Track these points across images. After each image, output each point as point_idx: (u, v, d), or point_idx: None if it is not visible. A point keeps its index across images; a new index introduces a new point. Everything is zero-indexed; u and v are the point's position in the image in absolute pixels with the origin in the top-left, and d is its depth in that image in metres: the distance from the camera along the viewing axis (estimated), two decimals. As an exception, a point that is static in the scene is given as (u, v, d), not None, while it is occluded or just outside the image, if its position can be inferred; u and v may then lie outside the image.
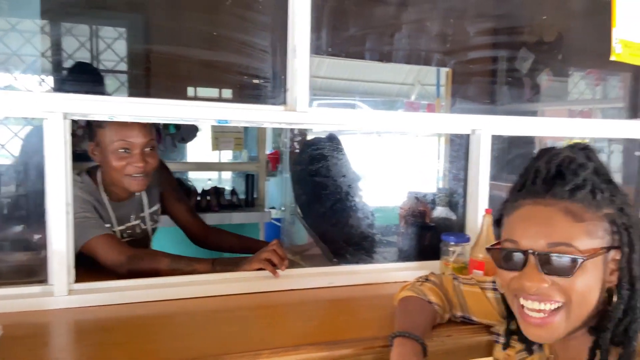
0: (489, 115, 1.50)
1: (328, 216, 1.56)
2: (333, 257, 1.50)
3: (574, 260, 0.75)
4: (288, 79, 1.34)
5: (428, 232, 1.66)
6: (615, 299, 0.78)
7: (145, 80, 2.98)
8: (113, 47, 3.34)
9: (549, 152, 0.83)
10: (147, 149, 1.49)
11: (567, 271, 0.75)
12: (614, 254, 0.79)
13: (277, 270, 1.35)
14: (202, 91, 3.42)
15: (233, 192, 4.16)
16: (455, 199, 1.66)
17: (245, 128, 4.43)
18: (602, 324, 0.79)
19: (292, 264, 1.45)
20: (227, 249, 1.71)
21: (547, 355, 0.90)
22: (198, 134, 4.14)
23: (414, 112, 6.30)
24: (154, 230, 1.73)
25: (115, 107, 1.18)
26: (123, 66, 3.32)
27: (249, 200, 4.30)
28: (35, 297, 1.14)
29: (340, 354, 1.02)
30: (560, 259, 0.76)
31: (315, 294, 1.36)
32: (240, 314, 1.20)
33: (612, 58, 1.55)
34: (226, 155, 5.05)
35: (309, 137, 1.78)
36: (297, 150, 1.68)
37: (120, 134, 1.45)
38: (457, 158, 1.68)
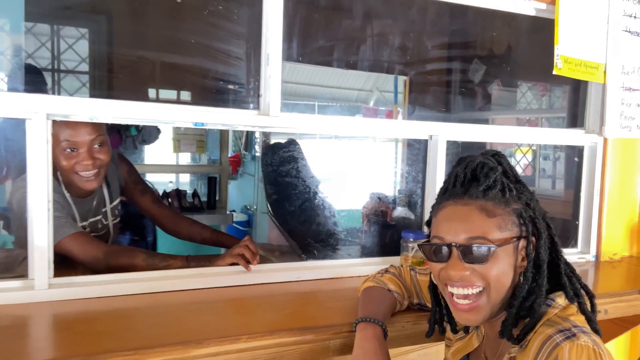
0: (445, 122, 1.64)
1: (296, 215, 1.65)
2: (301, 252, 1.59)
3: (488, 250, 0.89)
4: (261, 85, 1.42)
5: (389, 230, 1.78)
6: (521, 279, 0.92)
7: (108, 81, 2.98)
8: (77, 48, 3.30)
9: (465, 160, 0.97)
10: (96, 146, 1.48)
11: (483, 259, 0.89)
12: (523, 243, 0.92)
13: (249, 265, 1.43)
14: (163, 93, 3.44)
15: (194, 194, 4.18)
16: (414, 199, 1.79)
17: (207, 130, 4.46)
18: (511, 301, 0.92)
19: (263, 260, 1.52)
20: (199, 241, 1.75)
21: (483, 333, 1.03)
22: (159, 136, 4.14)
23: (373, 117, 6.48)
24: (115, 225, 1.75)
25: (96, 108, 1.23)
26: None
27: (211, 203, 4.33)
28: (16, 291, 1.18)
29: (311, 338, 1.11)
30: (478, 249, 0.89)
31: (284, 287, 1.45)
32: (215, 306, 1.27)
33: (554, 72, 1.72)
34: (184, 158, 5.05)
35: (272, 141, 1.86)
36: (268, 153, 1.76)
37: (66, 133, 1.42)
38: (416, 161, 1.81)
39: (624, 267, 1.86)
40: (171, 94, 3.64)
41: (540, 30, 1.83)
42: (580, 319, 0.89)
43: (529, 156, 4.45)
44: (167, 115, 1.30)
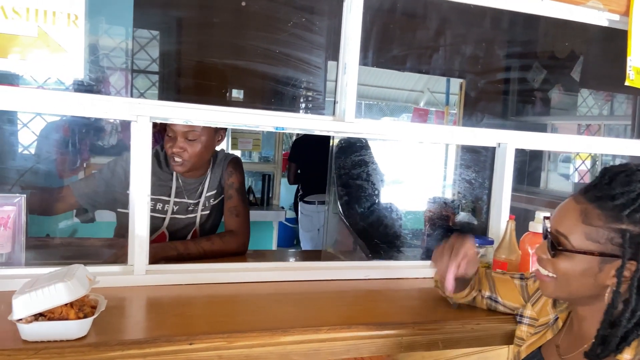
0: (508, 128, 1.67)
1: (366, 215, 1.73)
2: (369, 252, 1.66)
3: (563, 249, 0.94)
4: (338, 92, 1.50)
5: (451, 235, 1.82)
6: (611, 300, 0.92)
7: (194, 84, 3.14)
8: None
9: (627, 165, 0.96)
10: (189, 139, 1.73)
11: (555, 254, 0.97)
12: (617, 263, 0.90)
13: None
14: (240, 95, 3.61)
15: (249, 190, 4.32)
16: (480, 205, 1.82)
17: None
18: (603, 324, 0.93)
19: (332, 257, 1.61)
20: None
21: (559, 327, 1.07)
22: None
23: (423, 118, 6.46)
24: (203, 216, 1.88)
25: (190, 113, 1.34)
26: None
27: (265, 200, 4.47)
28: (117, 275, 1.31)
29: (385, 334, 1.18)
30: (555, 244, 0.96)
31: (353, 284, 1.52)
32: (293, 297, 1.36)
33: (626, 84, 1.72)
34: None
35: (345, 140, 1.94)
36: (339, 155, 1.84)
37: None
38: (483, 168, 1.84)
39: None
40: (253, 97, 3.81)
41: (608, 40, 1.82)
42: None
43: (588, 162, 4.35)
44: (252, 120, 1.40)
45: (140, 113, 1.28)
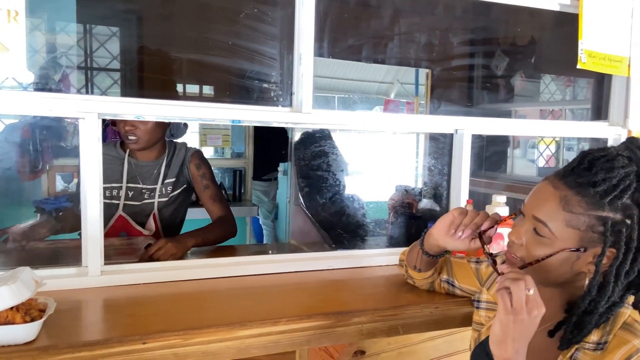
0: (468, 115, 1.69)
1: (328, 206, 1.73)
2: (332, 243, 1.66)
3: (541, 235, 0.92)
4: (294, 84, 1.49)
5: (415, 222, 1.84)
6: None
7: (139, 78, 3.09)
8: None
9: (604, 149, 0.93)
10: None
11: (532, 240, 0.93)
12: (596, 251, 0.88)
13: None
14: (195, 89, 3.55)
15: (221, 186, 4.28)
16: (440, 191, 1.84)
17: (232, 125, 4.56)
18: (571, 307, 0.93)
19: (296, 249, 1.60)
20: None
21: None
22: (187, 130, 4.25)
23: (394, 109, 6.49)
24: (161, 204, 1.87)
25: (142, 108, 1.32)
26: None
27: (237, 196, 4.44)
28: (71, 278, 1.28)
29: (346, 322, 1.18)
30: (534, 230, 0.93)
31: (317, 275, 1.52)
32: (253, 291, 1.35)
33: (578, 66, 1.75)
34: (206, 152, 5.15)
35: (305, 132, 1.94)
36: (299, 147, 1.83)
37: None
38: (442, 155, 1.86)
39: None
40: (206, 90, 3.75)
41: (564, 24, 1.85)
42: None
43: (553, 147, 4.45)
44: (206, 113, 1.38)
45: (87, 110, 1.24)
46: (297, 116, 1.47)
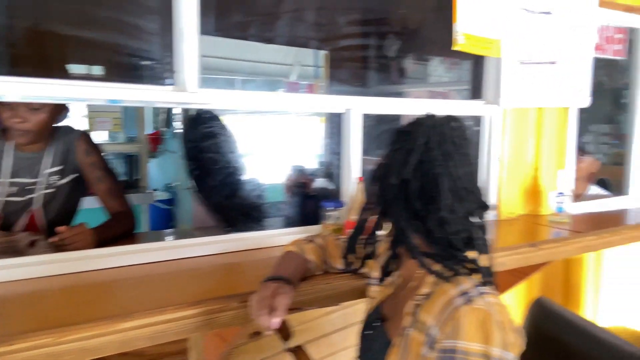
0: (360, 96, 1.73)
1: (219, 189, 1.68)
2: (226, 226, 1.63)
3: None
4: (176, 61, 1.42)
5: (310, 201, 1.86)
6: None
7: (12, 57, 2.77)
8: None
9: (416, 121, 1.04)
10: (33, 108, 1.56)
11: None
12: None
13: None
14: (76, 69, 3.26)
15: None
16: (333, 170, 1.87)
17: (124, 107, 4.29)
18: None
19: (186, 234, 1.55)
20: None
21: (399, 281, 1.14)
22: (68, 114, 3.93)
23: (295, 91, 6.50)
24: (47, 195, 1.70)
25: (4, 87, 1.18)
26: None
27: (131, 182, 4.21)
28: None
29: (235, 305, 1.16)
30: None
31: (209, 260, 1.49)
32: (141, 281, 1.29)
33: (456, 48, 1.86)
34: (99, 136, 4.82)
35: (193, 114, 1.85)
36: (188, 128, 1.76)
37: None
38: (335, 134, 1.89)
39: (520, 224, 2.08)
40: (84, 69, 3.46)
41: (448, 8, 1.94)
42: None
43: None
44: (79, 93, 1.27)
45: None
46: (182, 95, 1.41)
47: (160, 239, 1.78)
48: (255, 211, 1.72)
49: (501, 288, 1.96)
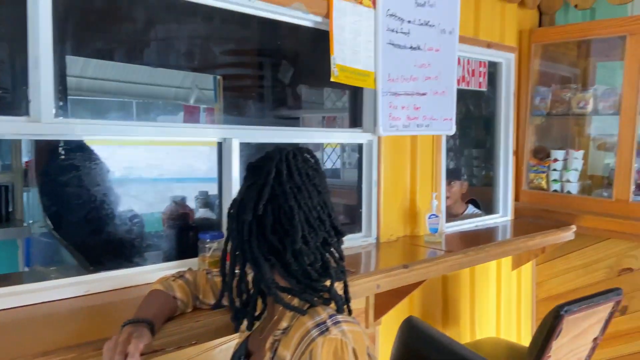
0: (254, 121, 1.71)
1: (82, 226, 1.57)
2: (89, 265, 1.51)
3: None
4: (31, 90, 1.32)
5: (190, 232, 1.80)
6: None
7: None
8: None
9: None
10: None
11: None
12: None
13: None
14: None
15: (-23, 206, 3.63)
16: (212, 200, 1.84)
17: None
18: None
19: (45, 277, 1.42)
20: None
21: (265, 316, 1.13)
22: None
23: (194, 115, 6.35)
24: None
25: None
26: None
27: (3, 214, 3.82)
28: None
29: (93, 354, 1.08)
30: None
31: (70, 303, 1.37)
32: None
33: (332, 79, 1.93)
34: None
35: (47, 145, 1.71)
36: (42, 161, 1.63)
37: None
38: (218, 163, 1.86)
39: (399, 246, 2.17)
40: None
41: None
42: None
43: (338, 149, 4.87)
44: None
45: None
46: (36, 127, 1.31)
47: (15, 281, 1.61)
48: (125, 247, 1.62)
49: (382, 309, 2.04)
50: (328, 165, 4.77)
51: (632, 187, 2.46)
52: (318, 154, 4.93)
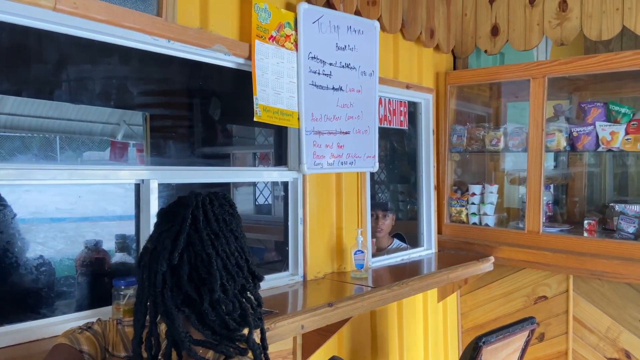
0: (164, 165, 1.68)
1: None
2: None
3: None
4: None
5: (105, 278, 1.71)
6: None
7: None
8: None
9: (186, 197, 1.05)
10: None
11: None
12: None
13: None
14: None
15: None
16: (131, 243, 1.77)
17: None
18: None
19: None
20: None
21: None
22: None
23: (122, 151, 6.14)
24: None
25: None
26: None
27: None
28: None
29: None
30: None
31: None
32: None
33: (255, 119, 1.94)
34: None
35: None
36: None
37: None
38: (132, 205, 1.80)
39: (326, 284, 2.18)
40: None
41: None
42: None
43: (270, 185, 4.87)
44: None
45: None
46: None
47: None
48: (31, 297, 1.51)
49: (310, 349, 2.02)
50: (260, 200, 4.75)
51: (543, 219, 2.64)
52: (250, 189, 4.91)
